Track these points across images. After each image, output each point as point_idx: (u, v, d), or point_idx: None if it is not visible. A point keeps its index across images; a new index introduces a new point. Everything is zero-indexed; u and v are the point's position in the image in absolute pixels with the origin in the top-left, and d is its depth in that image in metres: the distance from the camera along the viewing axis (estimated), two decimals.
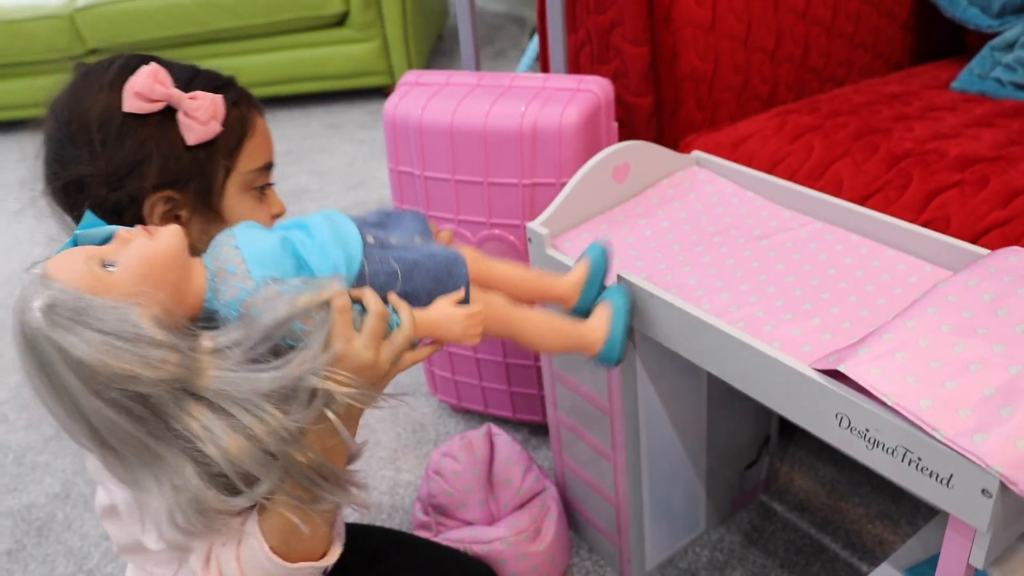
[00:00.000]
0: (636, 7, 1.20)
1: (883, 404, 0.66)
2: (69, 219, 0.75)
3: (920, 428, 0.63)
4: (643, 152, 1.08)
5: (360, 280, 0.68)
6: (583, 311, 0.90)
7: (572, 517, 1.25)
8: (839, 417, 0.71)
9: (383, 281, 0.69)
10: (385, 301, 0.67)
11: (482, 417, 1.50)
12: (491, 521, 1.19)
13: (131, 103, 0.71)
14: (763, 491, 1.29)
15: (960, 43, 1.58)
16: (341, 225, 0.69)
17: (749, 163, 1.18)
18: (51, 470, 1.52)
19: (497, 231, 1.23)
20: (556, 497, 1.19)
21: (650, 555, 1.18)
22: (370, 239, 0.71)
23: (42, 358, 0.55)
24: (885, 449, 0.68)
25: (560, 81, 1.21)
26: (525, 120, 1.14)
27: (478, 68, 1.44)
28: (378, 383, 0.67)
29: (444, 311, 0.71)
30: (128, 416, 0.56)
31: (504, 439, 1.23)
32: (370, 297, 0.66)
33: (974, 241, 0.94)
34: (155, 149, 0.72)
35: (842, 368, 0.68)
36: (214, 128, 0.73)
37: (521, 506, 1.19)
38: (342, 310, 0.62)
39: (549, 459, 1.40)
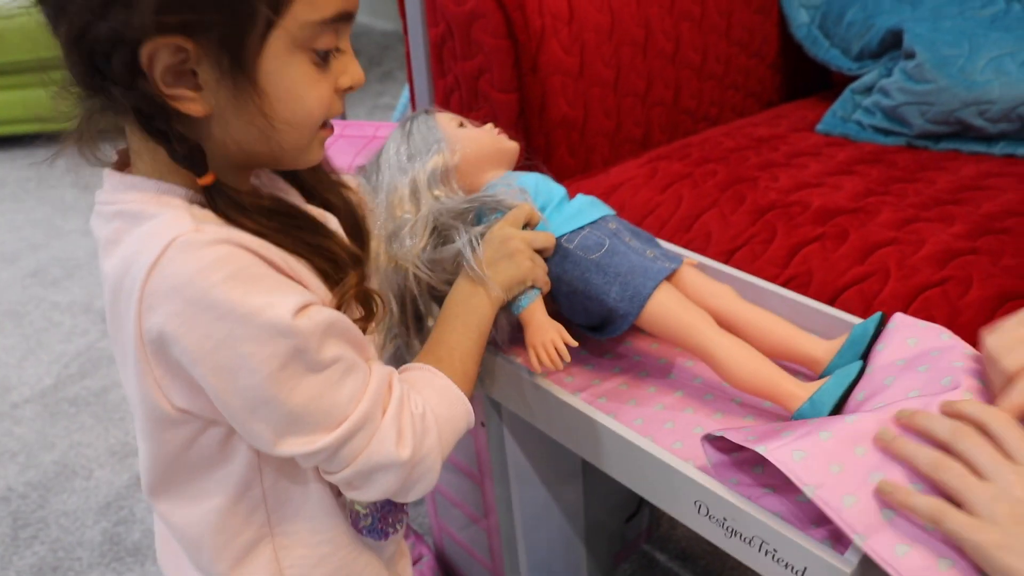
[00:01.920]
0: (502, 55, 1.17)
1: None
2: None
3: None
4: None
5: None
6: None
7: None
8: (698, 504, 0.69)
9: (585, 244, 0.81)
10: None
11: None
12: None
13: None
14: (645, 541, 1.28)
15: (827, 80, 1.62)
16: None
17: (621, 212, 1.16)
18: None
19: None
20: (433, 565, 1.15)
21: None
22: (612, 225, 0.85)
23: None
24: (743, 538, 0.66)
25: None
26: None
27: (343, 116, 1.39)
28: (510, 262, 0.76)
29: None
30: None
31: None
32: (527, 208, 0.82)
33: (834, 298, 0.94)
34: None
35: (761, 449, 0.62)
36: None
37: None
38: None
39: (426, 515, 1.35)
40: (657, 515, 1.30)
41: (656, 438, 0.75)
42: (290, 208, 0.62)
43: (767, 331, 0.79)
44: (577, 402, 0.77)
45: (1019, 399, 0.61)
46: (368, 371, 0.60)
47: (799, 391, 0.71)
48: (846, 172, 1.18)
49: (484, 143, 0.89)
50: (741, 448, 0.67)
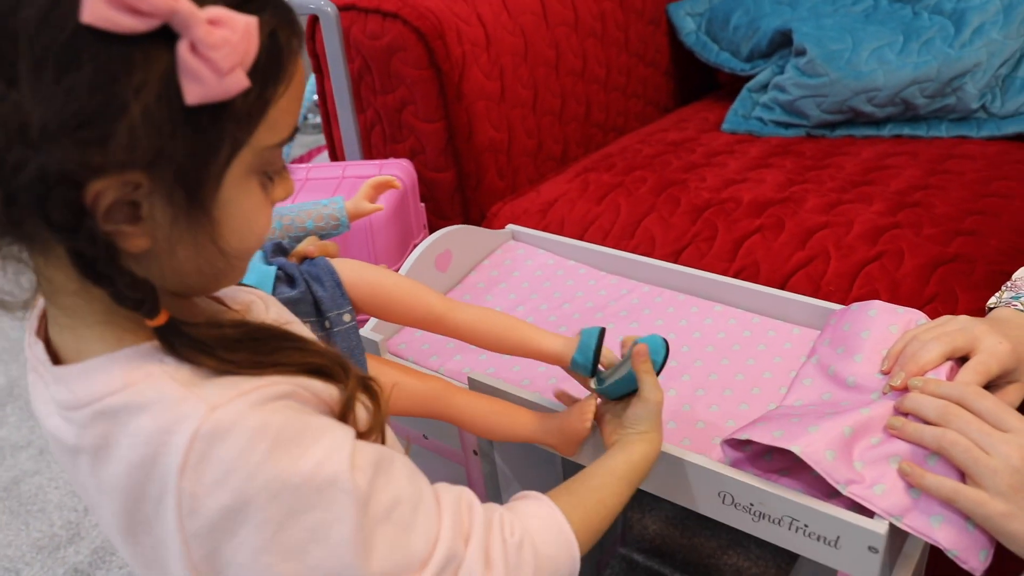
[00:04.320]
0: (426, 86, 1.18)
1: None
2: None
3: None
4: (461, 236, 1.05)
5: None
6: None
7: None
8: (722, 495, 0.72)
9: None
10: None
11: None
12: None
13: (97, 9, 0.39)
14: (621, 544, 1.30)
15: (714, 82, 1.71)
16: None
17: (561, 227, 1.19)
18: None
19: None
20: None
21: None
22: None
23: None
24: (771, 520, 0.69)
25: (360, 168, 1.16)
26: None
27: None
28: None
29: None
30: None
31: None
32: None
33: (783, 284, 1.00)
34: (127, 99, 0.40)
35: (795, 449, 0.65)
36: (238, 80, 0.42)
37: None
38: None
39: None
40: (628, 516, 1.33)
41: (664, 439, 0.77)
42: (258, 331, 0.54)
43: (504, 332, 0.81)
44: None
45: (975, 369, 0.69)
46: (435, 499, 0.54)
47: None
48: (763, 166, 1.25)
49: None
50: (751, 442, 0.70)
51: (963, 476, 0.64)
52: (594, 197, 1.21)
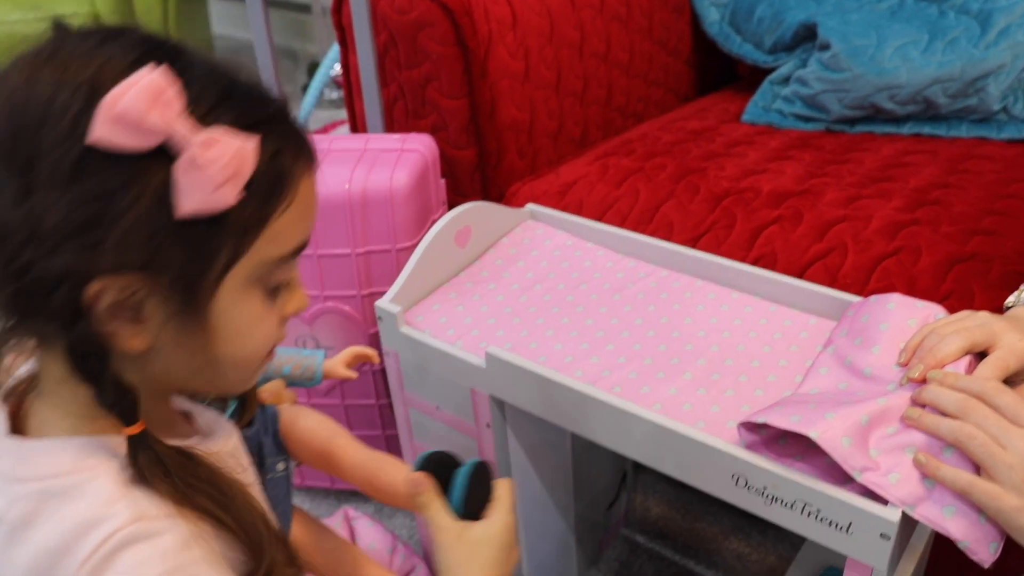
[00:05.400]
0: (451, 62, 1.18)
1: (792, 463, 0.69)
2: None
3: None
4: (481, 213, 1.06)
5: None
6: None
7: None
8: (735, 477, 0.73)
9: None
10: None
11: (327, 492, 1.42)
12: None
13: (104, 130, 0.43)
14: (624, 525, 1.32)
15: (734, 73, 1.71)
16: None
17: (579, 210, 1.20)
18: None
19: (331, 303, 1.16)
20: (427, 574, 1.14)
21: None
22: None
23: None
24: (784, 504, 0.70)
25: (382, 142, 1.16)
26: (353, 187, 1.09)
27: None
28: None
29: None
30: None
31: (364, 523, 1.16)
32: None
33: (799, 275, 1.01)
34: (123, 208, 0.45)
35: (812, 435, 0.66)
36: (227, 196, 0.46)
37: None
38: None
39: (407, 527, 1.34)
40: (632, 498, 1.34)
41: (679, 420, 0.78)
42: (219, 477, 0.55)
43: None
44: (605, 395, 0.79)
45: (994, 364, 0.69)
46: None
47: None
48: (783, 158, 1.25)
49: None
50: (767, 425, 0.71)
51: (978, 470, 0.65)
52: (613, 181, 1.21)
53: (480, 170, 1.28)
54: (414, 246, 1.00)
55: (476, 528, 0.65)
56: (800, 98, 1.38)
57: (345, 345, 1.19)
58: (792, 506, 0.70)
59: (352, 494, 1.40)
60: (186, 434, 0.58)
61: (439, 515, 0.65)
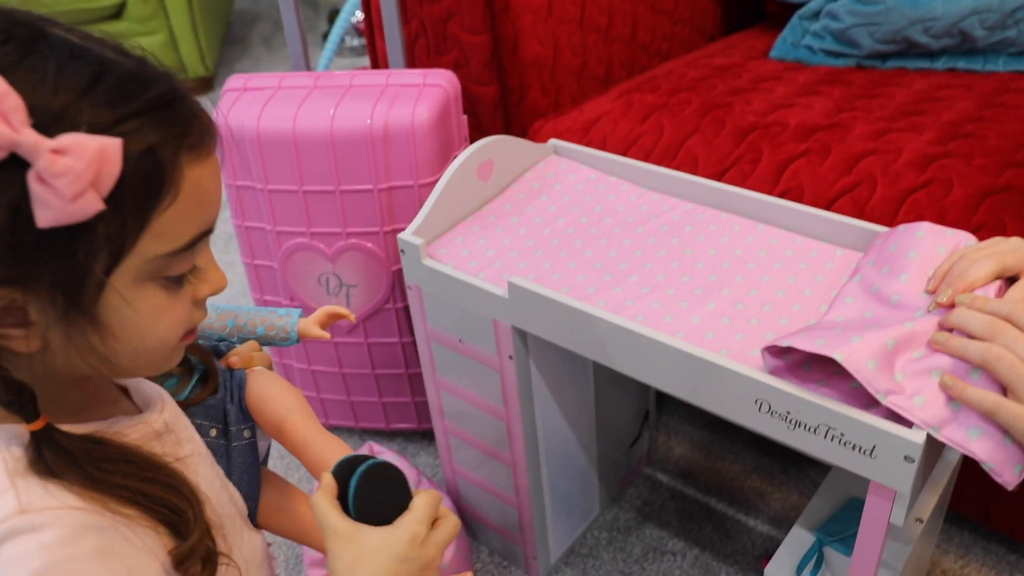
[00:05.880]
0: None
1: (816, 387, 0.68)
2: None
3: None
4: (504, 147, 1.05)
5: None
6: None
7: (467, 522, 1.22)
8: (759, 403, 0.72)
9: None
10: None
11: (351, 431, 1.43)
12: None
13: None
14: (646, 464, 1.32)
15: (762, 12, 1.67)
16: None
17: (602, 146, 1.18)
18: None
19: (354, 240, 1.16)
20: (451, 507, 1.16)
21: (552, 547, 1.17)
22: None
23: None
24: (807, 428, 0.70)
25: (404, 77, 1.15)
26: (375, 122, 1.08)
27: (308, 67, 1.35)
28: None
29: None
30: None
31: (388, 458, 1.17)
32: None
33: (828, 207, 0.99)
34: None
35: (837, 357, 0.65)
36: (89, 205, 0.43)
37: None
38: None
39: (431, 465, 1.36)
40: (654, 438, 1.35)
41: (703, 348, 0.78)
42: (135, 457, 0.54)
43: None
44: (628, 323, 0.79)
45: None
46: None
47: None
48: (812, 93, 1.23)
49: None
50: (790, 351, 0.71)
51: (1005, 392, 0.64)
52: (637, 117, 1.20)
53: (502, 107, 1.26)
54: (436, 182, 1.00)
55: (372, 534, 0.60)
56: (830, 33, 1.35)
57: (368, 282, 1.20)
58: (815, 430, 0.70)
59: (376, 432, 1.41)
60: (106, 415, 0.56)
61: (325, 515, 0.60)
